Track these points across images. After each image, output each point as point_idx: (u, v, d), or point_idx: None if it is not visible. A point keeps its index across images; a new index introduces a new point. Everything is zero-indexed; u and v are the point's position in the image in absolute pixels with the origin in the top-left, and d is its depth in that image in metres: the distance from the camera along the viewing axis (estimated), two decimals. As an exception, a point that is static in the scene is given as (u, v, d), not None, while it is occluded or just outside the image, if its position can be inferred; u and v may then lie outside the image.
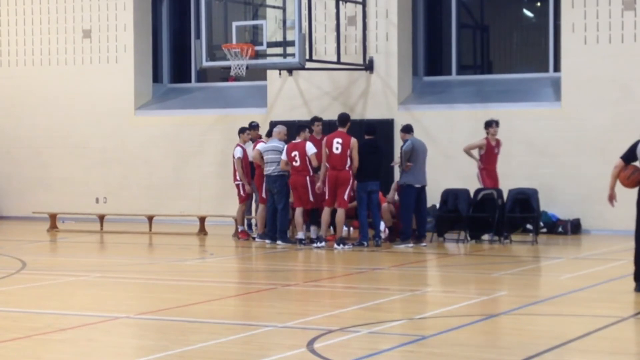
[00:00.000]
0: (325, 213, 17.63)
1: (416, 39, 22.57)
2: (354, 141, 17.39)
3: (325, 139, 17.66)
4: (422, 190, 17.91)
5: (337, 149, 17.38)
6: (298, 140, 17.93)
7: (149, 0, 24.48)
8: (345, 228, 19.28)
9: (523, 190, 18.65)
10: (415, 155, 17.81)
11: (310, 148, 17.70)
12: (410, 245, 17.62)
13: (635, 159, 11.98)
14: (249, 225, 20.23)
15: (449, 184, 19.84)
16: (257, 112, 22.56)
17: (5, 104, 25.15)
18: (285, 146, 18.03)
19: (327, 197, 17.58)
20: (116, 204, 23.83)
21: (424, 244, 17.75)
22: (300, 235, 17.95)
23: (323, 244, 17.55)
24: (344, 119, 17.77)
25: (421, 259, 16.35)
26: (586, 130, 20.35)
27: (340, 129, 17.61)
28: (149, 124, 23.87)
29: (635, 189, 12.01)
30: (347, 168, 17.36)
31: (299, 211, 17.91)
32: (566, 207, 20.38)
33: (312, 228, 18.17)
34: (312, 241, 17.93)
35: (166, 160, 23.67)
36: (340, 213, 17.44)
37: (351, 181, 17.39)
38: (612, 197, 12.11)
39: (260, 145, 18.55)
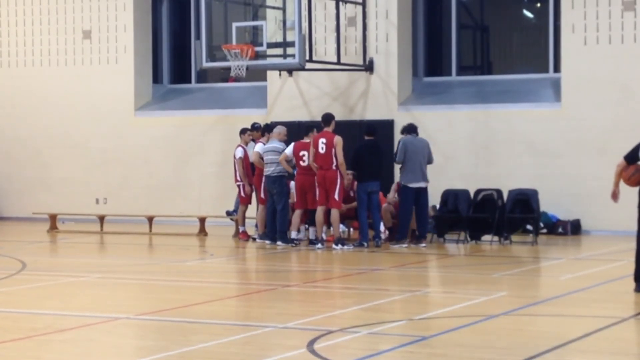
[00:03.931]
0: (319, 213, 17.61)
1: (416, 40, 22.58)
2: (337, 139, 17.37)
3: (312, 139, 17.67)
4: (421, 191, 17.84)
5: (322, 148, 17.38)
6: (306, 140, 17.91)
7: (149, 0, 24.48)
8: (345, 228, 19.30)
9: (523, 191, 18.66)
10: (408, 155, 17.74)
11: None
12: (405, 245, 17.58)
13: (638, 159, 12.00)
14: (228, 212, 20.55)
15: (449, 184, 19.85)
16: (257, 113, 22.57)
17: (5, 104, 25.16)
18: (292, 144, 18.00)
19: (318, 197, 17.58)
20: (116, 205, 23.83)
21: (423, 244, 17.72)
22: (294, 235, 17.93)
23: (319, 245, 17.55)
24: (327, 118, 17.77)
25: (421, 259, 16.34)
26: (586, 130, 20.35)
27: (325, 129, 17.61)
28: (149, 125, 23.88)
29: (636, 190, 12.03)
30: (333, 167, 17.34)
31: (297, 212, 17.88)
32: (566, 207, 20.38)
33: (312, 229, 18.16)
34: (312, 242, 17.95)
35: (166, 160, 23.67)
36: (334, 213, 17.41)
37: (339, 180, 17.35)
38: (615, 194, 12.16)
39: (259, 147, 18.53)
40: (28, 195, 24.79)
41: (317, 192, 17.55)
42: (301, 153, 17.77)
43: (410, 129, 18.21)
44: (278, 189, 18.02)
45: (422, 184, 17.82)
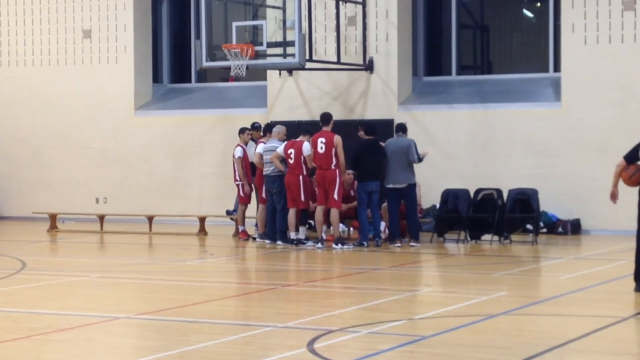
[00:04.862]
0: (318, 212, 17.62)
1: (416, 39, 22.57)
2: (337, 138, 17.38)
3: (311, 138, 17.68)
4: (402, 192, 17.71)
5: (321, 148, 17.40)
6: (299, 139, 17.95)
7: (149, 0, 24.48)
8: (345, 228, 19.30)
9: (523, 191, 18.65)
10: (387, 157, 17.73)
11: (307, 149, 17.69)
12: (398, 245, 17.56)
13: (637, 159, 11.99)
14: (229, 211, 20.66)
15: (449, 184, 19.84)
16: (257, 113, 22.57)
17: (5, 104, 25.15)
18: (284, 143, 18.04)
19: (317, 196, 17.60)
20: (116, 204, 23.83)
21: (412, 244, 17.64)
22: (292, 235, 17.93)
23: (319, 244, 17.53)
24: (326, 117, 17.79)
25: (421, 259, 16.35)
26: (586, 130, 20.35)
27: (324, 128, 17.61)
28: (149, 124, 23.87)
29: (636, 189, 12.02)
30: (333, 167, 17.35)
31: (292, 211, 17.87)
32: (566, 207, 20.38)
33: (301, 228, 18.13)
34: (300, 241, 17.89)
35: (166, 160, 23.67)
36: (334, 213, 17.41)
37: (339, 180, 17.35)
38: (614, 195, 12.15)
39: (260, 147, 18.55)
40: (28, 195, 24.78)
41: (317, 191, 17.61)
42: (289, 151, 17.80)
43: (398, 129, 18.23)
44: (277, 188, 18.02)
45: (397, 185, 17.69)
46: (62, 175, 24.55)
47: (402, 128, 18.19)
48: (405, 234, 18.21)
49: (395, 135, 18.27)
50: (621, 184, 12.10)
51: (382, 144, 17.97)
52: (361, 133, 18.51)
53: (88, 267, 15.32)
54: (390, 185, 17.70)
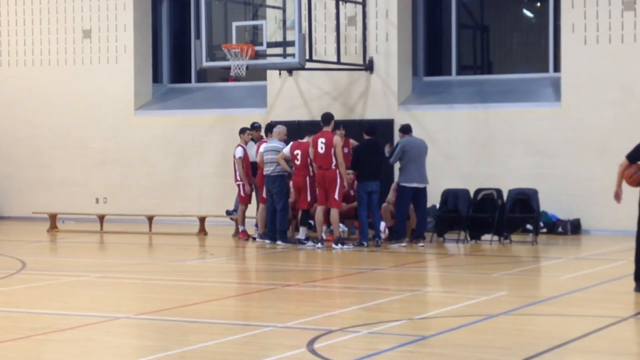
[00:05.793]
0: (318, 212, 17.63)
1: (416, 39, 22.58)
2: (336, 139, 17.41)
3: (311, 138, 17.71)
4: (419, 191, 17.85)
5: (321, 148, 17.42)
6: (305, 140, 17.98)
7: (149, 0, 24.48)
8: (345, 228, 19.30)
9: (523, 191, 18.66)
10: (407, 156, 17.77)
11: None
12: (404, 244, 17.59)
13: (639, 158, 11.99)
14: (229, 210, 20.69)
15: (449, 184, 19.85)
16: (257, 113, 22.58)
17: (5, 104, 25.16)
18: (291, 144, 18.06)
19: (318, 196, 17.62)
20: (116, 204, 23.83)
21: (421, 244, 17.70)
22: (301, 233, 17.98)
23: (319, 244, 17.53)
24: (327, 118, 17.81)
25: (421, 259, 16.35)
26: (586, 130, 20.35)
27: (325, 129, 17.63)
28: (148, 124, 23.87)
29: (637, 190, 12.02)
30: (333, 167, 17.36)
31: (301, 213, 17.91)
32: (566, 207, 20.38)
33: (301, 229, 18.14)
34: (300, 242, 17.91)
35: (166, 160, 23.67)
36: (334, 213, 17.41)
37: (339, 180, 17.36)
38: (617, 195, 12.15)
39: (262, 147, 18.56)
40: (28, 195, 24.78)
41: (317, 192, 17.61)
42: (295, 152, 17.81)
43: (409, 129, 18.31)
44: (278, 188, 18.04)
45: (421, 184, 17.83)
46: (62, 175, 24.56)
47: (410, 128, 18.35)
48: (407, 233, 18.23)
49: (401, 136, 18.31)
50: (624, 183, 12.11)
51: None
52: (340, 132, 18.51)
53: (88, 267, 15.32)
54: (415, 185, 17.73)
